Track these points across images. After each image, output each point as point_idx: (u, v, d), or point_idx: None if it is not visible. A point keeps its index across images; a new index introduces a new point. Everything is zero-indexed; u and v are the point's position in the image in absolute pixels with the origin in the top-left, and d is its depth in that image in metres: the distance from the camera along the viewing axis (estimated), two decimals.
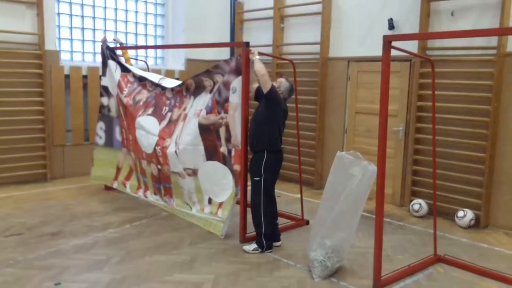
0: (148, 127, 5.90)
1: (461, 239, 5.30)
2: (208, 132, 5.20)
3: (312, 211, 5.74)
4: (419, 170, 6.26)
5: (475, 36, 5.53)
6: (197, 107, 5.43)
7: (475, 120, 5.67)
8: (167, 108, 5.89)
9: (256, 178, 4.73)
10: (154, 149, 5.74)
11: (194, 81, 5.56)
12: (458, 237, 5.37)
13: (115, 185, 6.73)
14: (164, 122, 5.81)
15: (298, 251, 4.77)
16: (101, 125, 6.94)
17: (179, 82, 5.99)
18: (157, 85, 6.17)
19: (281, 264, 4.48)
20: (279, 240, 4.94)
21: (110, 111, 6.80)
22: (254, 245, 4.76)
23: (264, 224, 4.72)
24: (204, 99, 5.38)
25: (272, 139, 4.72)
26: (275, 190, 4.94)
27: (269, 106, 4.68)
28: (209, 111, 5.20)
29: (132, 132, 6.18)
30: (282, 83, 4.84)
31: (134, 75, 6.47)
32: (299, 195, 5.79)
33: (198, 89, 5.54)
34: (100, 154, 6.95)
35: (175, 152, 5.45)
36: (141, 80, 6.38)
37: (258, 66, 4.63)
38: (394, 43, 3.82)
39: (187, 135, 5.39)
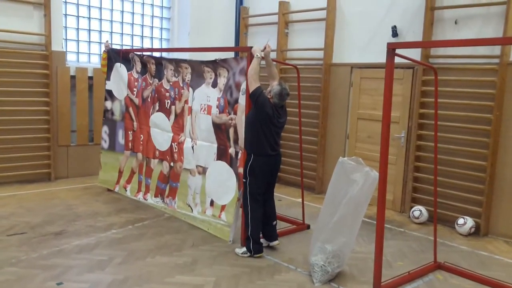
0: (161, 124, 6.06)
1: (461, 247, 5.32)
2: (220, 131, 5.28)
3: (313, 216, 5.77)
4: (420, 177, 6.29)
5: (479, 45, 5.57)
6: (201, 101, 5.48)
7: (476, 128, 5.69)
8: (169, 101, 5.99)
9: (244, 180, 4.76)
10: (171, 145, 5.85)
11: (192, 67, 5.60)
12: (458, 244, 5.39)
13: (116, 189, 6.80)
14: (172, 117, 5.94)
15: (298, 255, 4.80)
16: (105, 129, 7.03)
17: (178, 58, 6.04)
18: (154, 77, 6.24)
19: (282, 268, 4.51)
20: (275, 240, 4.96)
21: (114, 115, 6.88)
22: (244, 249, 4.78)
23: (250, 227, 4.72)
24: (207, 93, 5.42)
25: (254, 142, 4.65)
26: (277, 194, 4.94)
27: (252, 108, 4.66)
28: (221, 110, 5.25)
29: (145, 131, 6.29)
30: (273, 87, 4.70)
31: (137, 71, 6.55)
32: (300, 199, 5.82)
33: (196, 79, 5.59)
34: (105, 158, 7.05)
35: (192, 147, 5.56)
36: (143, 73, 6.47)
37: (250, 67, 4.64)
38: (397, 51, 3.85)
39: (202, 131, 5.47)
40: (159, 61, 6.21)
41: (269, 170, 4.80)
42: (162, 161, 6.09)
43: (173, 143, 5.87)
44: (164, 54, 9.08)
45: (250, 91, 4.58)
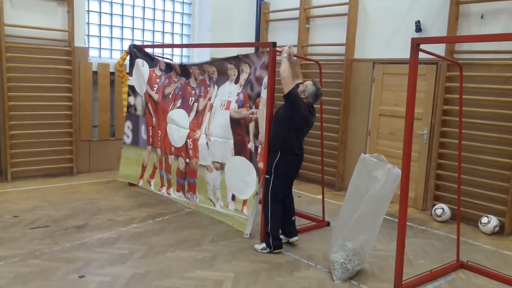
0: (179, 121, 6.05)
1: (484, 246, 5.22)
2: (238, 126, 5.25)
3: (333, 213, 5.74)
4: (442, 174, 6.19)
5: (506, 40, 5.41)
6: (223, 98, 5.49)
7: (501, 125, 5.57)
8: (193, 98, 6.00)
9: (267, 176, 4.75)
10: (186, 142, 5.87)
11: (216, 67, 5.63)
12: (481, 243, 5.29)
13: (140, 184, 6.85)
14: (192, 114, 5.95)
15: (318, 252, 4.77)
16: (128, 124, 7.08)
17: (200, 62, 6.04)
18: (181, 75, 6.28)
19: (301, 264, 4.49)
20: (295, 236, 4.95)
21: (136, 110, 6.93)
22: (263, 244, 4.78)
23: (270, 224, 4.72)
24: (229, 89, 5.43)
25: (286, 141, 4.64)
26: (297, 191, 4.92)
27: (287, 108, 4.63)
28: (241, 105, 5.24)
29: (162, 127, 6.31)
30: (307, 87, 4.69)
31: (160, 68, 6.59)
32: (320, 196, 5.79)
33: (221, 77, 5.60)
34: (127, 153, 7.09)
35: (207, 143, 5.56)
36: (167, 71, 6.51)
37: (282, 68, 4.61)
38: (422, 46, 3.78)
39: (217, 127, 5.47)
40: (181, 65, 6.27)
41: (294, 168, 4.81)
42: (177, 157, 6.12)
43: (188, 140, 5.88)
44: (185, 50, 9.15)
45: (286, 91, 4.53)
